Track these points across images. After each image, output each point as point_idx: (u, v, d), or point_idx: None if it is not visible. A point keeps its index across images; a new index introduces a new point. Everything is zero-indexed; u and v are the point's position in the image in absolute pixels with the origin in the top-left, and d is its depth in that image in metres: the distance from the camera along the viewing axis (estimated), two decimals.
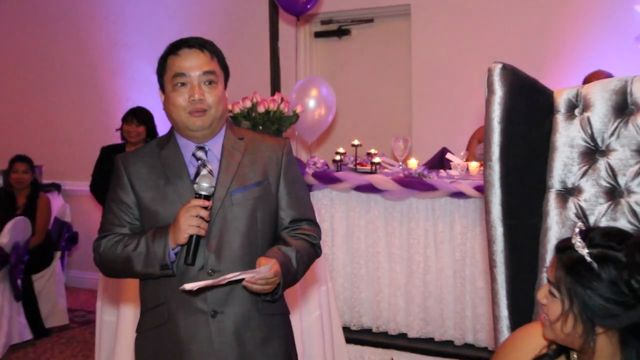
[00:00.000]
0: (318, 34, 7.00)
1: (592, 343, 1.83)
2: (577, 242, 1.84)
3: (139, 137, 6.16)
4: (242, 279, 2.30)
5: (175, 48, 2.48)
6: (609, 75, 4.83)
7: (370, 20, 6.85)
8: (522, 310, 2.52)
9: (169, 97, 2.48)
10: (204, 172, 2.45)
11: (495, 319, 2.53)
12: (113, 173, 2.56)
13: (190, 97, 2.42)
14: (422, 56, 6.44)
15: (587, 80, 4.87)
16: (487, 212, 2.52)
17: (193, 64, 2.44)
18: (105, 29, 7.98)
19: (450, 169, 4.51)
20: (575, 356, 1.94)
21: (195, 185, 2.38)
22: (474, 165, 4.38)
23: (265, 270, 2.27)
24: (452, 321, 4.32)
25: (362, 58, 6.82)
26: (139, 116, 6.17)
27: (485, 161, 2.52)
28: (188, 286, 2.24)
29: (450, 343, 4.32)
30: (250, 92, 4.38)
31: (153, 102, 7.48)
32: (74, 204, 7.48)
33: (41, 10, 8.32)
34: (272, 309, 2.53)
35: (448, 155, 4.70)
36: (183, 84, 2.44)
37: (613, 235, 1.87)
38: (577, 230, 1.89)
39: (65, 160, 7.90)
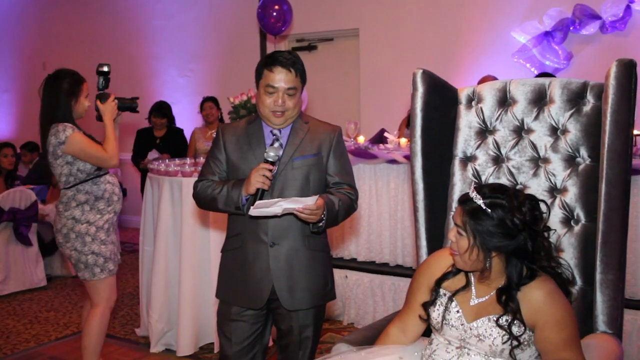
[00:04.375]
0: (294, 49, 6.92)
1: (489, 264, 1.86)
2: (474, 195, 1.85)
3: (162, 126, 6.16)
4: (293, 213, 2.28)
5: (271, 64, 2.38)
6: (494, 78, 4.84)
7: (331, 39, 6.79)
8: (436, 241, 2.54)
9: (260, 96, 2.43)
10: (275, 144, 2.42)
11: (417, 247, 2.55)
12: (214, 137, 2.56)
13: (275, 102, 2.37)
14: (367, 65, 6.44)
15: (480, 81, 4.87)
16: (412, 173, 2.53)
17: (282, 79, 2.37)
18: (144, 45, 7.86)
19: (387, 143, 4.50)
20: (471, 273, 1.96)
21: (265, 153, 2.35)
22: (403, 140, 4.37)
23: (311, 201, 2.25)
24: (388, 249, 4.34)
25: (325, 66, 6.77)
26: (161, 111, 6.17)
27: (411, 137, 2.53)
28: (253, 212, 2.25)
29: (386, 264, 4.34)
30: (246, 89, 4.33)
31: (176, 96, 7.47)
32: (123, 168, 7.39)
33: (96, 30, 8.16)
34: (315, 246, 2.49)
35: (385, 134, 4.68)
36: (272, 92, 2.38)
37: (497, 188, 1.89)
38: (472, 187, 1.90)
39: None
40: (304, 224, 2.41)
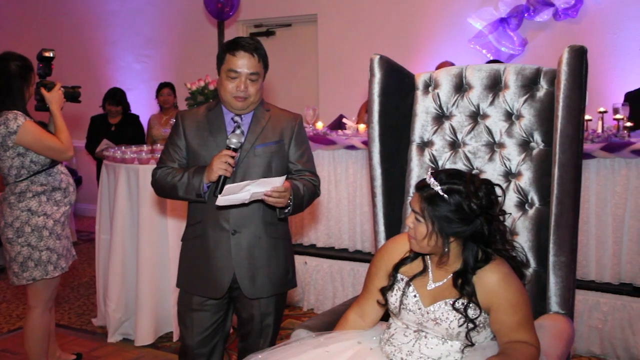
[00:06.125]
0: (252, 34, 6.85)
1: (447, 249, 1.87)
2: (432, 182, 1.85)
3: (117, 113, 6.05)
4: (261, 200, 2.25)
5: (233, 48, 2.34)
6: (452, 64, 4.87)
7: (289, 25, 6.75)
8: (394, 226, 2.56)
9: (222, 82, 2.38)
10: (237, 131, 2.37)
11: (375, 232, 2.56)
12: (174, 123, 2.51)
13: (237, 88, 2.34)
14: (325, 51, 6.42)
15: (438, 67, 4.91)
16: (370, 158, 2.54)
17: (244, 64, 2.33)
18: (99, 30, 7.68)
19: (345, 129, 4.51)
20: (428, 257, 1.98)
21: (227, 140, 2.32)
22: (362, 126, 4.38)
23: (279, 182, 2.22)
24: (347, 235, 4.35)
25: (283, 52, 6.73)
26: (115, 98, 6.05)
27: (368, 123, 2.53)
28: (220, 201, 2.19)
29: (345, 250, 4.36)
30: (204, 75, 4.28)
31: (132, 82, 7.34)
32: (78, 156, 7.24)
33: (48, 14, 7.94)
34: (277, 234, 2.48)
35: (344, 120, 4.69)
36: (234, 77, 2.34)
37: (454, 174, 1.89)
38: (428, 173, 1.90)
39: (71, 125, 7.62)
40: (266, 212, 2.41)
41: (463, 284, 1.87)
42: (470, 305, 1.85)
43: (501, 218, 1.95)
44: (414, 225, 1.88)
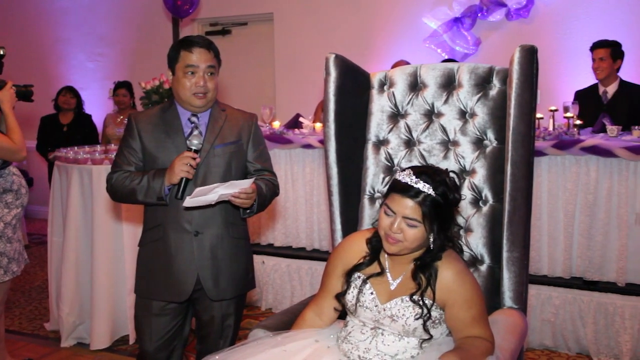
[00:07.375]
0: (208, 33, 6.79)
1: (433, 243, 1.87)
2: (422, 185, 1.82)
3: (70, 106, 5.97)
4: (227, 200, 2.26)
5: (188, 45, 2.34)
6: (407, 63, 4.91)
7: (245, 24, 6.71)
8: (350, 224, 2.56)
9: (179, 80, 2.36)
10: (195, 132, 2.36)
11: (332, 231, 2.56)
12: (126, 126, 2.45)
13: (197, 83, 2.33)
14: (282, 50, 6.42)
15: (394, 66, 4.93)
16: (326, 157, 2.54)
17: (201, 59, 2.33)
18: (49, 27, 7.50)
19: (302, 128, 4.50)
20: (386, 257, 1.98)
21: (187, 142, 2.31)
22: (318, 125, 4.38)
23: (247, 184, 2.23)
24: (304, 234, 4.35)
25: (240, 51, 6.69)
26: (73, 91, 5.98)
27: (324, 122, 2.53)
28: (188, 202, 2.18)
29: (303, 249, 4.35)
30: (158, 74, 4.22)
31: (85, 81, 7.19)
32: (29, 156, 7.00)
33: None
34: (239, 234, 2.48)
35: (301, 119, 4.68)
36: (192, 73, 2.33)
37: (434, 173, 1.87)
38: (412, 176, 1.84)
39: (21, 124, 7.42)
40: (228, 212, 2.40)
41: (425, 269, 1.88)
42: (427, 292, 1.87)
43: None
44: (402, 231, 1.84)
